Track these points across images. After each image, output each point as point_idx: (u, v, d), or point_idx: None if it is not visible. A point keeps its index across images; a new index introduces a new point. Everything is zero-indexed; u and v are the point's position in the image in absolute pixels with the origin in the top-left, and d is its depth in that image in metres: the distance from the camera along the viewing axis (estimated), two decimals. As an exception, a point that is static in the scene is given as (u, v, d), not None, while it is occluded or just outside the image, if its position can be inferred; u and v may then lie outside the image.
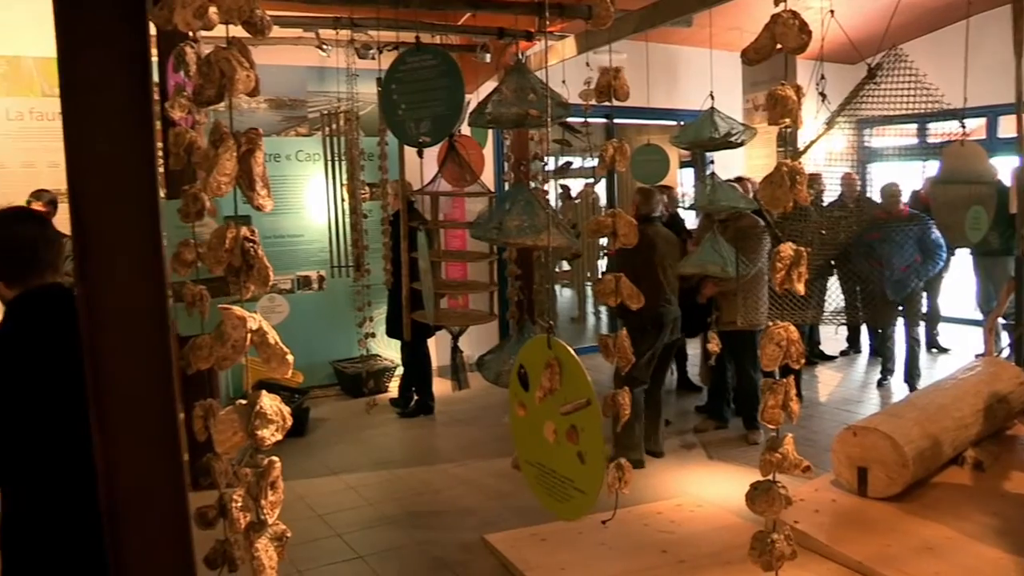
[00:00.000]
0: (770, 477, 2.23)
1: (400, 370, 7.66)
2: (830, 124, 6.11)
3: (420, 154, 4.13)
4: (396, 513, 5.16)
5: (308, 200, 7.58)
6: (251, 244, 1.50)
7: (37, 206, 5.75)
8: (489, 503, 5.26)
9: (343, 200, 6.75)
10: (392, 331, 6.99)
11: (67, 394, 2.14)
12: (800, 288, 1.83)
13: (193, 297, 2.41)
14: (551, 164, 6.20)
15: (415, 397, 7.32)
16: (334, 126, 6.66)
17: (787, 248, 1.85)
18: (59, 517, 2.26)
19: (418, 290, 4.85)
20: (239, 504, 1.64)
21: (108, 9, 1.72)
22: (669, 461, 5.91)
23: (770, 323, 1.96)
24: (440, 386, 7.56)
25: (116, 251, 1.73)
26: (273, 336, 1.56)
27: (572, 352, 2.54)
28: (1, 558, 2.30)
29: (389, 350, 7.95)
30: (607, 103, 2.91)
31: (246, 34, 1.63)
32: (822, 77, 4.81)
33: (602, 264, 10.44)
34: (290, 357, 1.60)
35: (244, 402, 1.57)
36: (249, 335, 1.52)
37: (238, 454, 1.94)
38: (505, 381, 3.58)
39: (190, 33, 2.15)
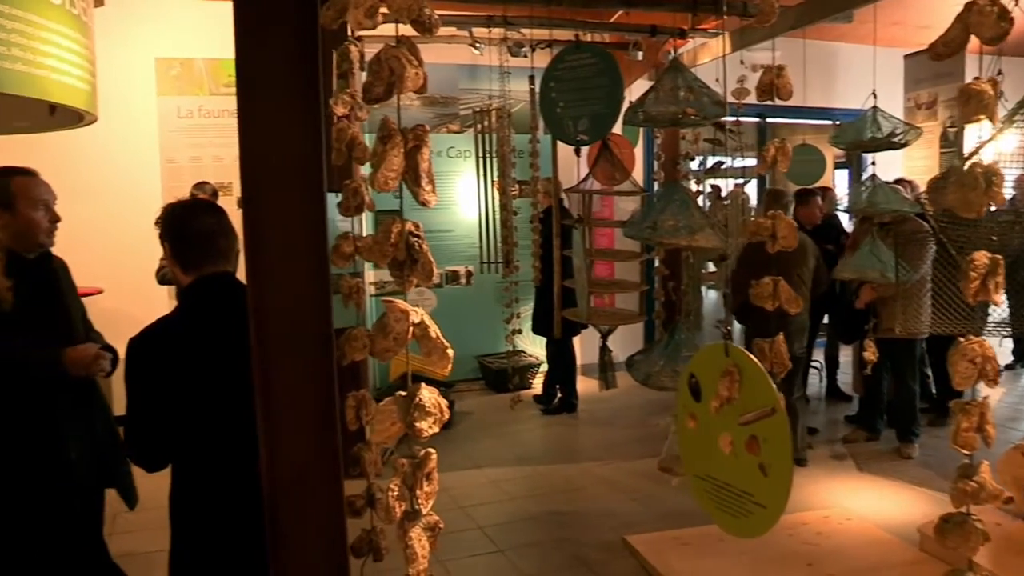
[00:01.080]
0: (964, 509, 2.03)
1: (545, 367, 7.69)
2: (1008, 123, 5.72)
3: (577, 152, 4.12)
4: (537, 509, 5.18)
5: (459, 196, 7.71)
6: (416, 239, 1.52)
7: (198, 196, 6.07)
8: (630, 504, 5.21)
9: (493, 197, 6.82)
10: (538, 328, 7.02)
11: (232, 379, 2.22)
12: (997, 299, 1.70)
13: (350, 289, 2.47)
14: (703, 163, 6.06)
15: (559, 395, 7.33)
16: (485, 123, 6.74)
17: (982, 256, 1.73)
18: (222, 496, 2.35)
19: (568, 288, 4.85)
20: (395, 493, 1.67)
21: (282, 11, 1.77)
22: (816, 471, 5.69)
23: (961, 339, 1.81)
24: (583, 384, 7.55)
25: (284, 243, 1.79)
26: (435, 330, 1.58)
27: (753, 359, 2.46)
28: (170, 529, 2.42)
29: (534, 347, 7.99)
30: (768, 102, 2.82)
31: (413, 32, 1.65)
32: (999, 72, 4.51)
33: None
34: (451, 352, 1.61)
35: (403, 394, 1.59)
36: (411, 328, 1.54)
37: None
38: (655, 383, 3.53)
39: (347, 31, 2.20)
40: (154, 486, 3.21)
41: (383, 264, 1.56)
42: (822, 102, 8.89)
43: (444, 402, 1.64)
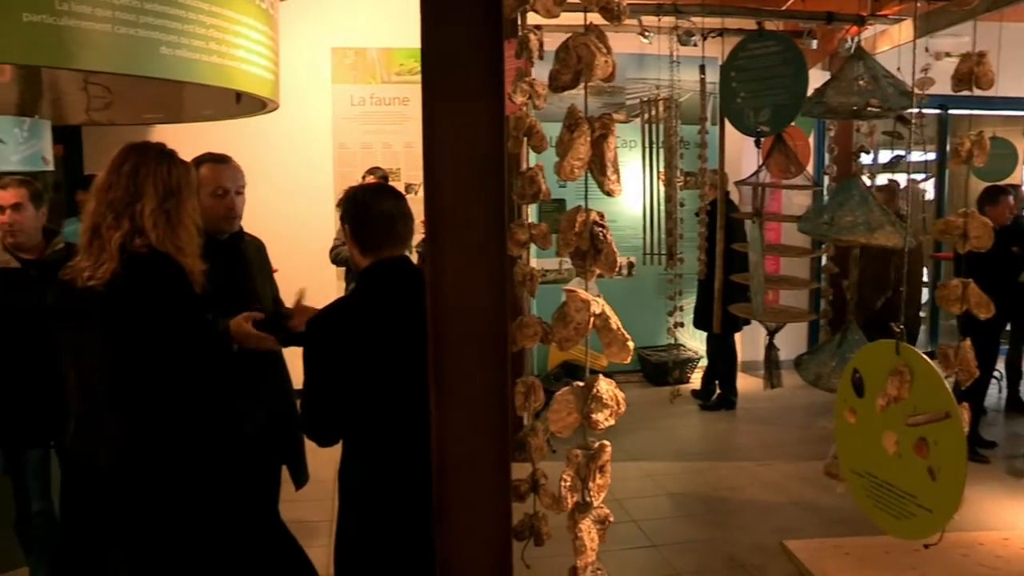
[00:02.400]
0: None
1: (704, 362, 7.55)
2: None
3: (758, 144, 4.01)
4: (693, 506, 5.10)
5: (623, 186, 7.63)
6: (600, 229, 1.51)
7: (370, 180, 6.27)
8: (789, 507, 5.05)
9: (659, 188, 6.72)
10: (700, 322, 6.90)
11: (405, 360, 2.27)
12: None
13: (524, 276, 2.49)
14: (878, 158, 5.76)
15: (717, 391, 7.18)
16: (653, 113, 6.65)
17: None
18: (390, 472, 2.41)
19: (731, 282, 4.73)
20: (567, 484, 1.66)
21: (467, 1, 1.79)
22: (995, 488, 5.33)
23: None
24: (743, 381, 7.37)
25: (464, 229, 1.81)
26: (615, 321, 1.56)
27: (927, 360, 2.34)
28: (338, 502, 2.50)
29: (694, 341, 7.86)
30: (964, 92, 2.64)
31: (603, 20, 1.63)
32: None
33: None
34: (631, 344, 1.59)
35: (582, 384, 1.59)
36: (592, 319, 1.53)
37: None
38: (826, 384, 3.40)
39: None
40: (316, 461, 3.36)
41: (565, 253, 1.56)
42: (1015, 91, 8.29)
43: (621, 395, 1.62)
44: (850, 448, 2.67)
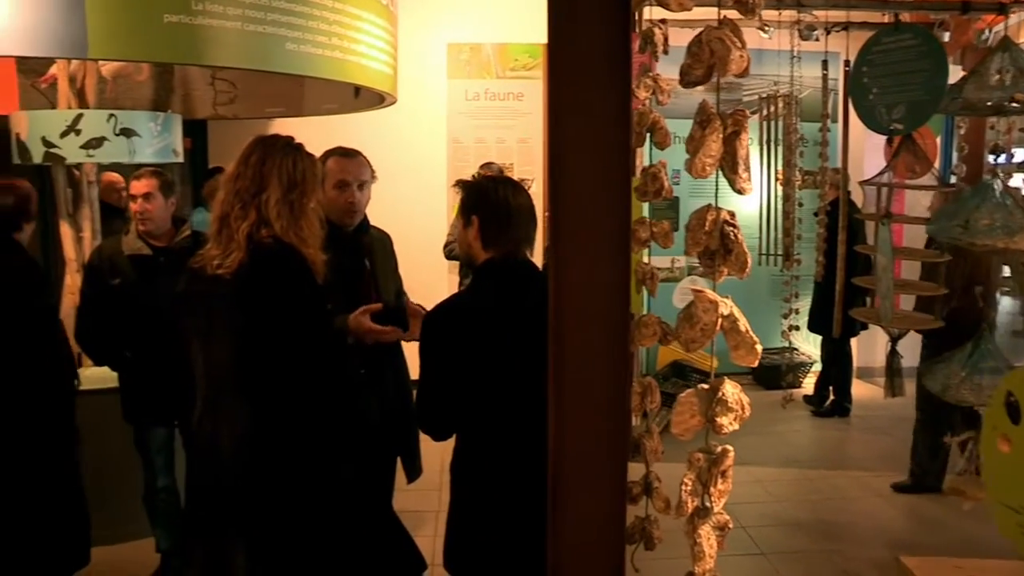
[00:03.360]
0: None
1: (818, 367, 7.34)
2: None
3: (890, 142, 3.85)
4: (803, 515, 4.96)
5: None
6: (731, 228, 1.47)
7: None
8: (906, 522, 4.87)
9: (776, 187, 6.55)
10: (816, 325, 6.71)
11: (523, 356, 2.26)
12: None
13: (644, 274, 2.45)
14: (1013, 157, 5.46)
15: (831, 396, 6.97)
16: (772, 109, 6.47)
17: None
18: (503, 467, 2.40)
19: (853, 285, 4.56)
20: (688, 488, 1.63)
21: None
22: None
23: None
24: (859, 388, 7.13)
25: (588, 227, 1.79)
26: (744, 323, 1.51)
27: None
28: (451, 494, 2.52)
29: (807, 344, 7.64)
30: None
31: (738, 15, 1.59)
32: None
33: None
34: (759, 347, 1.54)
35: (706, 386, 1.55)
36: (720, 320, 1.49)
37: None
38: (954, 395, 3.24)
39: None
40: (423, 452, 3.40)
41: (693, 252, 1.52)
42: None
43: (746, 399, 1.58)
44: (1002, 480, 2.49)
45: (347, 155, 3.15)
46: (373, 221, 3.39)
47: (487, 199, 2.46)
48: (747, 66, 1.51)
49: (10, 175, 3.69)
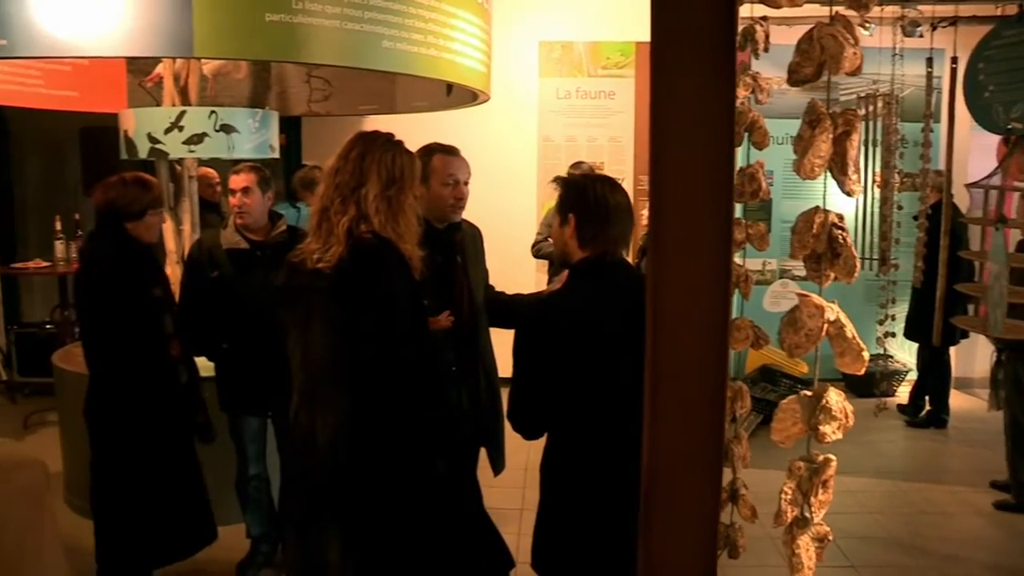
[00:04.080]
0: None
1: (914, 375, 7.10)
2: None
3: (1007, 142, 3.69)
4: (897, 529, 4.80)
5: (832, 186, 7.28)
6: (840, 231, 1.42)
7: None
8: (1010, 542, 4.66)
9: (874, 189, 6.36)
10: (912, 333, 6.49)
11: (618, 357, 2.25)
12: None
13: (738, 277, 2.40)
14: None
15: (927, 407, 6.73)
16: (871, 109, 6.28)
17: None
18: (595, 468, 2.38)
19: (953, 292, 4.40)
20: (788, 497, 1.59)
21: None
22: None
23: None
24: (955, 399, 6.88)
25: (689, 227, 1.76)
26: (851, 329, 1.47)
27: None
28: (540, 493, 2.50)
29: (902, 352, 7.40)
30: None
31: (852, 12, 1.54)
32: None
33: None
34: (866, 354, 1.49)
35: (809, 393, 1.51)
36: (825, 326, 1.45)
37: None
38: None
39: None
40: (507, 448, 3.40)
41: (799, 256, 1.48)
42: None
43: (850, 407, 1.53)
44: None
45: (451, 152, 3.19)
46: (466, 215, 3.43)
47: (585, 197, 2.43)
48: (860, 64, 1.46)
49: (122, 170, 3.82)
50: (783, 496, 1.60)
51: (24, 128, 8.48)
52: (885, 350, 6.38)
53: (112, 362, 3.32)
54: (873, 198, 6.22)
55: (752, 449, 2.21)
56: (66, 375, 4.66)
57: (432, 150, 3.16)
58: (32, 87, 5.17)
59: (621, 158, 7.38)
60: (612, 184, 2.49)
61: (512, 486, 4.09)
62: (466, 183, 3.20)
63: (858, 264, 1.47)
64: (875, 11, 5.59)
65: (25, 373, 7.25)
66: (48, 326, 7.30)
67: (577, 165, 6.38)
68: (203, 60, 4.64)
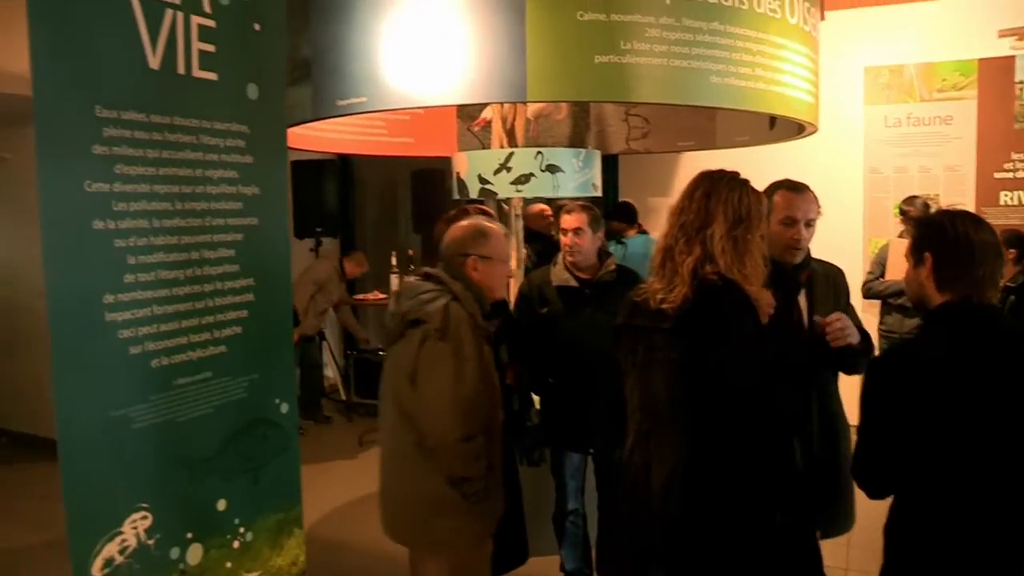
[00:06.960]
0: None
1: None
2: None
3: None
4: None
5: None
6: None
7: (911, 213, 5.80)
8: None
9: None
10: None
11: (983, 418, 2.06)
12: None
13: None
14: None
15: None
16: None
17: None
18: (947, 535, 2.16)
19: None
20: None
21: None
22: None
23: None
24: None
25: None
26: None
27: None
28: (884, 554, 2.30)
29: None
30: None
31: None
32: None
33: None
34: None
35: None
36: None
37: None
38: None
39: None
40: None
41: None
42: None
43: None
44: None
45: (796, 190, 3.05)
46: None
47: (943, 235, 2.23)
48: None
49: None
50: None
51: (365, 174, 9.39)
52: None
53: None
54: None
55: None
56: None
57: (776, 186, 3.05)
58: (377, 136, 5.69)
59: (960, 189, 6.75)
60: (975, 220, 2.26)
61: (835, 542, 3.79)
62: (809, 224, 3.04)
63: None
64: None
65: (361, 395, 7.94)
66: (381, 352, 7.95)
67: (911, 200, 5.93)
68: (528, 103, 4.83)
